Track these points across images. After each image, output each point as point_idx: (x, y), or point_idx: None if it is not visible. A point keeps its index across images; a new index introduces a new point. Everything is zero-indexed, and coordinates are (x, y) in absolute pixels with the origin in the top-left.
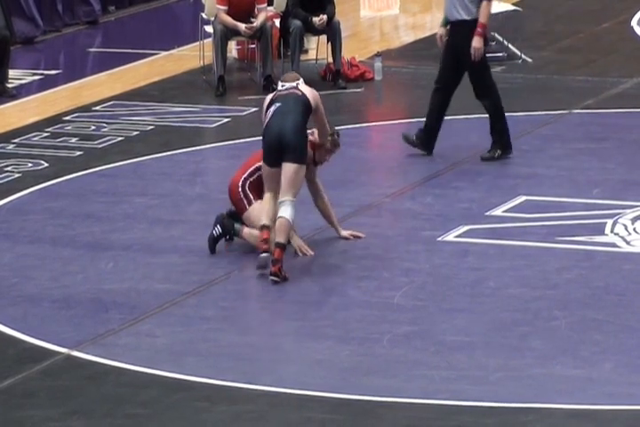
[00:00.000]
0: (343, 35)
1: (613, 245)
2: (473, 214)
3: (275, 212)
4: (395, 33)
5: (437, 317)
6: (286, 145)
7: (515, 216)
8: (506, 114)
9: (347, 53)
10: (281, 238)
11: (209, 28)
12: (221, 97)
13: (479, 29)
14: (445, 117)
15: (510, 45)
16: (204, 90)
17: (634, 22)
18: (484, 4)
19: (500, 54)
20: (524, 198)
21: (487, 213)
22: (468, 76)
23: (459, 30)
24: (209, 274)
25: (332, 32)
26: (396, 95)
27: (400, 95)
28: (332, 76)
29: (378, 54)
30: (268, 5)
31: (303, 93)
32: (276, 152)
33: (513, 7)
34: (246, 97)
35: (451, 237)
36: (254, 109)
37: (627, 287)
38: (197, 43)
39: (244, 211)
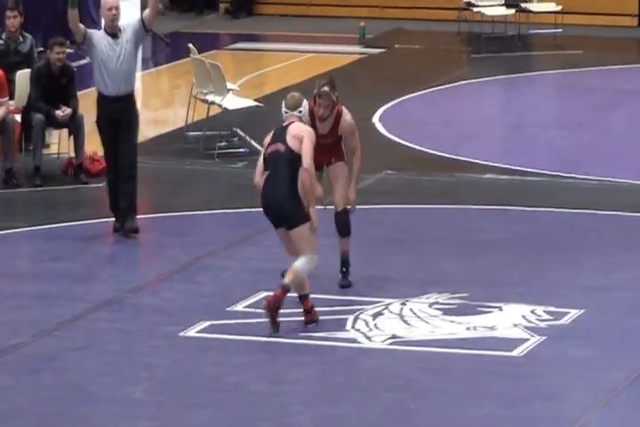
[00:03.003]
0: (86, 129)
1: (354, 340)
2: (214, 309)
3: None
4: None
5: (178, 412)
6: (283, 216)
7: (256, 312)
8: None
9: (89, 148)
10: (286, 280)
11: None
12: None
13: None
14: (189, 212)
15: (252, 141)
16: None
17: (375, 119)
18: None
19: (242, 150)
20: (265, 294)
21: (228, 309)
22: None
23: (125, 104)
24: None
25: (75, 126)
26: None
27: (140, 191)
28: (73, 171)
29: None
30: (9, 99)
31: (286, 149)
32: (273, 218)
33: (255, 103)
34: None
35: (192, 332)
36: None
37: (368, 383)
38: None
39: None
